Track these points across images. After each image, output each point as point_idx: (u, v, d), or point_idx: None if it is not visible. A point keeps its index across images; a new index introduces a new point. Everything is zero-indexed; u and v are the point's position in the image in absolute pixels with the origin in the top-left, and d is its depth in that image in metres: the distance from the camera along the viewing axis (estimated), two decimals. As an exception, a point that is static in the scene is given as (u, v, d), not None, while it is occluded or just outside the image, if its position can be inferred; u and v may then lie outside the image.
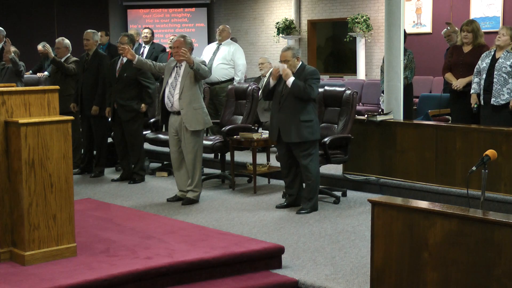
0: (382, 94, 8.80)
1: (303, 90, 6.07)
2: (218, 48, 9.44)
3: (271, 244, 4.92)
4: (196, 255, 4.60)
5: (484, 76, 6.88)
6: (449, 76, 7.50)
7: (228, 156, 7.51)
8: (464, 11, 11.92)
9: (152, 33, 10.74)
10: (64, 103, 7.51)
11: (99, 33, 8.79)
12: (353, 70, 14.18)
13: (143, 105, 7.60)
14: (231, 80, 9.28)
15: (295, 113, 6.15)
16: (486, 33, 8.37)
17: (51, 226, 4.51)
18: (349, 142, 6.72)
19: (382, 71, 8.69)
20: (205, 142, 7.12)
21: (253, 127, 7.83)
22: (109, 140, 8.47)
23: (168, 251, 4.68)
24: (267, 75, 7.51)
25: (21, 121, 4.39)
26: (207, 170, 8.17)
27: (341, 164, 7.24)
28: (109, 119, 7.85)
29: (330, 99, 6.97)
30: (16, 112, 4.50)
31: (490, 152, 4.05)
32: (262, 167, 7.34)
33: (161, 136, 7.99)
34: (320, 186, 6.55)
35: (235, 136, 7.28)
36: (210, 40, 15.57)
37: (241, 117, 7.84)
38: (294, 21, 14.76)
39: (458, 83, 7.33)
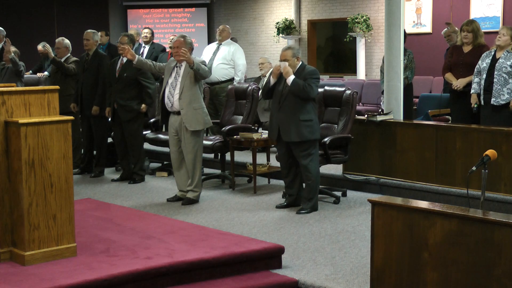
0: (382, 95, 8.81)
1: (302, 89, 6.07)
2: (218, 48, 9.44)
3: (271, 244, 4.92)
4: (196, 255, 4.60)
5: (484, 76, 6.88)
6: (449, 76, 7.50)
7: (228, 156, 7.51)
8: (464, 11, 11.93)
9: (152, 33, 10.74)
10: (64, 103, 7.51)
11: (99, 33, 8.79)
12: (353, 70, 14.18)
13: (143, 105, 7.61)
14: (231, 80, 9.28)
15: (294, 112, 6.15)
16: (486, 33, 8.38)
17: (51, 226, 4.51)
18: (349, 142, 6.72)
19: (381, 71, 8.69)
20: (205, 142, 7.12)
21: (253, 127, 7.84)
22: (109, 140, 8.47)
23: (168, 251, 4.68)
24: (267, 75, 7.51)
25: (21, 121, 4.39)
26: (207, 170, 8.17)
27: (341, 164, 7.24)
28: (109, 119, 7.85)
29: (330, 99, 6.97)
30: (16, 112, 4.50)
31: (490, 152, 4.05)
32: (262, 167, 7.34)
33: (161, 136, 7.99)
34: (320, 186, 6.55)
35: (235, 136, 7.28)
36: (210, 40, 15.58)
37: (241, 117, 7.84)
38: (294, 21, 14.76)
39: (458, 83, 7.33)
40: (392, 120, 7.09)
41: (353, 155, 6.94)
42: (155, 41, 11.00)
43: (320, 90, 6.82)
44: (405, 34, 7.95)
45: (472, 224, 3.44)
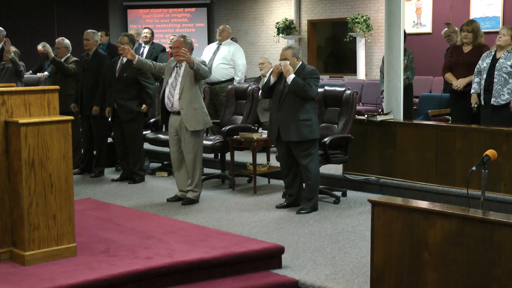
0: (381, 95, 8.81)
1: (302, 88, 6.07)
2: (218, 48, 9.44)
3: (271, 244, 4.92)
4: (196, 255, 4.60)
5: (484, 76, 6.88)
6: (449, 76, 7.50)
7: (228, 156, 7.51)
8: (464, 11, 11.93)
9: (152, 33, 10.75)
10: (64, 103, 7.51)
11: (99, 33, 8.79)
12: (353, 70, 14.18)
13: (144, 105, 7.61)
14: (231, 80, 9.28)
15: (294, 112, 6.15)
16: (486, 33, 8.38)
17: (51, 226, 4.51)
18: (349, 142, 6.72)
19: (381, 71, 8.69)
20: (205, 142, 7.12)
21: (253, 127, 7.84)
22: (109, 140, 8.47)
23: (168, 251, 4.68)
24: (267, 75, 7.51)
25: (21, 121, 4.39)
26: (207, 170, 8.17)
27: (341, 164, 7.24)
28: (109, 119, 7.85)
29: (330, 99, 6.97)
30: (16, 112, 4.50)
31: (490, 152, 4.05)
32: (262, 167, 7.34)
33: (161, 136, 7.99)
34: (320, 186, 6.55)
35: (235, 136, 7.28)
36: (210, 40, 15.58)
37: (241, 117, 7.84)
38: (294, 21, 14.76)
39: (458, 83, 7.33)
40: (392, 120, 7.09)
41: (353, 155, 6.94)
42: (155, 41, 11.00)
43: (320, 90, 6.82)
44: (405, 34, 7.95)
45: (472, 224, 3.44)
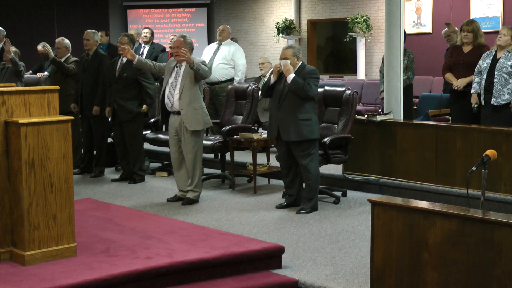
0: (379, 95, 8.81)
1: (302, 87, 6.07)
2: (218, 48, 9.45)
3: (271, 244, 4.92)
4: (196, 255, 4.60)
5: (484, 76, 6.88)
6: (449, 76, 7.50)
7: (228, 156, 7.51)
8: (464, 11, 11.93)
9: (152, 33, 10.74)
10: (64, 103, 7.50)
11: (99, 33, 8.79)
12: (353, 70, 14.18)
13: (144, 106, 7.61)
14: (231, 80, 9.28)
15: (294, 111, 6.15)
16: (486, 33, 8.38)
17: (51, 226, 4.51)
18: (349, 142, 6.72)
19: (381, 72, 8.69)
20: (205, 142, 7.12)
21: (253, 127, 7.84)
22: (109, 140, 8.47)
23: (168, 251, 4.68)
24: (267, 75, 7.51)
25: (21, 121, 4.39)
26: (207, 170, 8.17)
27: (341, 164, 7.24)
28: (109, 119, 7.85)
29: (330, 99, 6.97)
30: (16, 112, 4.50)
31: (490, 152, 4.05)
32: (262, 167, 7.34)
33: (161, 136, 7.99)
34: (320, 186, 6.55)
35: (235, 136, 7.28)
36: (210, 40, 15.58)
37: (241, 117, 7.85)
38: (294, 21, 14.76)
39: (458, 83, 7.32)
40: (392, 120, 7.09)
41: (353, 155, 6.94)
42: (155, 41, 11.00)
43: (320, 90, 6.82)
44: (405, 34, 7.95)
45: (472, 224, 3.44)
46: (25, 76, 9.14)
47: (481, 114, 6.98)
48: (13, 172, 4.47)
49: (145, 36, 10.58)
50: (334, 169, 7.45)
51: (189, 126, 6.49)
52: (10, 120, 4.45)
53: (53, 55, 8.60)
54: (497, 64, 6.77)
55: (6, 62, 8.70)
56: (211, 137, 7.70)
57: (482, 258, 3.40)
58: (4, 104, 4.46)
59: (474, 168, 4.03)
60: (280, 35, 14.74)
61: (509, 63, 6.71)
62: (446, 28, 9.16)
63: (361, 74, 13.53)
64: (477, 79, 6.99)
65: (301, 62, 6.29)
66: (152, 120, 8.29)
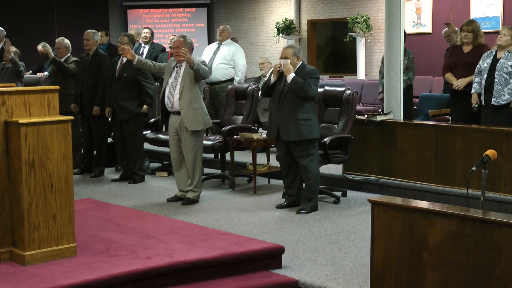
0: (378, 96, 8.80)
1: (301, 87, 6.07)
2: (218, 48, 9.45)
3: (271, 244, 4.92)
4: (196, 255, 4.60)
5: (485, 76, 6.87)
6: (449, 76, 7.50)
7: (228, 156, 7.51)
8: (464, 11, 11.93)
9: (152, 33, 10.75)
10: (64, 103, 7.50)
11: (99, 33, 8.79)
12: (353, 70, 14.18)
13: (145, 106, 7.61)
14: (231, 80, 9.28)
15: (294, 111, 6.15)
16: (486, 33, 8.38)
17: (51, 226, 4.51)
18: (349, 142, 6.72)
19: (380, 72, 8.69)
20: (205, 142, 7.12)
21: (253, 127, 7.84)
22: (109, 140, 8.47)
23: (168, 251, 4.67)
24: (267, 75, 7.52)
25: (21, 121, 4.39)
26: (207, 170, 8.17)
27: (341, 164, 7.24)
28: (109, 119, 7.85)
29: (330, 99, 6.97)
30: (16, 112, 4.50)
31: (490, 152, 4.05)
32: (262, 167, 7.34)
33: (161, 136, 7.99)
34: (320, 186, 6.55)
35: (235, 136, 7.28)
36: (210, 40, 15.59)
37: (241, 117, 7.85)
38: (294, 21, 14.77)
39: (459, 83, 7.32)
40: (392, 120, 7.09)
41: (353, 155, 6.94)
42: (155, 41, 11.00)
43: (320, 90, 6.82)
44: (405, 34, 7.95)
45: (472, 224, 3.44)
46: (25, 76, 9.14)
47: (481, 114, 6.98)
48: (13, 172, 4.48)
49: (145, 36, 10.58)
50: (334, 169, 7.45)
51: (189, 126, 6.49)
52: (10, 120, 4.45)
53: (53, 55, 8.60)
54: (498, 64, 6.77)
55: (6, 62, 8.70)
56: (211, 137, 7.70)
57: (482, 258, 3.40)
58: (4, 104, 4.46)
59: (474, 168, 4.03)
60: (280, 35, 14.74)
61: (509, 63, 6.71)
62: (446, 28, 9.17)
63: (361, 74, 13.53)
64: (477, 79, 6.99)
65: (301, 62, 6.29)
66: (152, 120, 8.29)
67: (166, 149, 7.90)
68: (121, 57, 7.53)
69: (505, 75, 6.71)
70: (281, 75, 6.27)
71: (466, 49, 7.41)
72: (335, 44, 15.23)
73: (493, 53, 6.92)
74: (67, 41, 8.44)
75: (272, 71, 6.42)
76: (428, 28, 12.64)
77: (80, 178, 8.05)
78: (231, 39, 9.76)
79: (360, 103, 12.12)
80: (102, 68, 7.95)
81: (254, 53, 15.42)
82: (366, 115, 7.22)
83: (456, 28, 8.71)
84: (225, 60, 9.30)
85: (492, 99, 6.78)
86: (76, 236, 4.67)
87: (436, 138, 6.65)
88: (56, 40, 8.51)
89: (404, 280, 3.74)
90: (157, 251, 4.67)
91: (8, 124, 4.46)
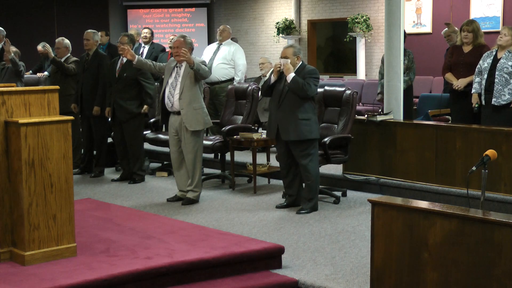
0: (377, 96, 8.80)
1: (301, 87, 6.07)
2: (218, 48, 9.45)
3: (271, 244, 4.92)
4: (196, 255, 4.60)
5: (485, 76, 6.87)
6: (449, 76, 7.50)
7: (228, 156, 7.51)
8: (464, 11, 11.93)
9: (152, 33, 10.75)
10: (64, 103, 7.50)
11: (99, 33, 8.79)
12: (353, 70, 14.18)
13: (145, 106, 7.61)
14: (231, 80, 9.28)
15: (293, 111, 6.15)
16: (486, 33, 8.38)
17: (51, 226, 4.51)
18: (349, 142, 6.72)
19: (380, 72, 8.69)
20: (205, 142, 7.12)
21: (253, 127, 7.84)
22: (109, 140, 8.47)
23: (168, 251, 4.68)
24: (268, 75, 7.51)
25: (21, 121, 4.39)
26: (207, 170, 8.17)
27: (341, 164, 7.24)
28: (109, 119, 7.85)
29: (330, 99, 6.97)
30: (16, 112, 4.50)
31: (490, 152, 4.05)
32: (262, 167, 7.34)
33: (161, 136, 7.99)
34: (320, 186, 6.55)
35: (235, 136, 7.28)
36: (210, 40, 15.59)
37: (241, 117, 7.85)
38: (294, 21, 14.77)
39: (459, 83, 7.32)
40: (392, 120, 7.09)
41: (353, 155, 6.94)
42: (155, 41, 11.00)
43: (320, 90, 6.82)
44: (405, 34, 7.95)
45: (472, 224, 3.44)
46: (25, 76, 9.14)
47: (481, 114, 6.98)
48: (13, 172, 4.48)
49: (145, 36, 10.58)
50: (334, 169, 7.45)
51: (189, 126, 6.49)
52: (10, 120, 4.45)
53: (53, 55, 8.60)
54: (498, 64, 6.77)
55: (6, 62, 8.70)
56: (211, 137, 7.70)
57: (482, 258, 3.40)
58: (4, 104, 4.46)
59: (474, 168, 4.03)
60: (280, 35, 14.74)
61: (509, 63, 6.71)
62: (446, 28, 9.17)
63: (361, 74, 13.53)
64: (477, 79, 6.98)
65: (301, 62, 6.29)
66: (152, 120, 8.29)
67: (166, 149, 7.90)
68: (121, 57, 7.53)
69: (506, 75, 6.71)
70: (281, 74, 6.27)
71: (466, 49, 7.41)
72: (335, 44, 15.23)
73: (494, 53, 6.92)
74: (67, 41, 8.44)
75: (272, 71, 6.42)
76: (428, 28, 12.64)
77: (80, 178, 8.05)
78: (231, 39, 9.76)
79: (360, 103, 12.12)
80: (102, 68, 7.95)
81: (254, 53, 15.42)
82: (366, 115, 7.22)
83: (456, 28, 8.71)
84: (225, 60, 9.30)
85: (493, 99, 6.78)
86: (76, 236, 4.67)
87: (436, 138, 6.65)
88: (56, 40, 8.51)
89: (404, 280, 3.74)
90: (157, 251, 4.67)
91: (8, 124, 4.46)
